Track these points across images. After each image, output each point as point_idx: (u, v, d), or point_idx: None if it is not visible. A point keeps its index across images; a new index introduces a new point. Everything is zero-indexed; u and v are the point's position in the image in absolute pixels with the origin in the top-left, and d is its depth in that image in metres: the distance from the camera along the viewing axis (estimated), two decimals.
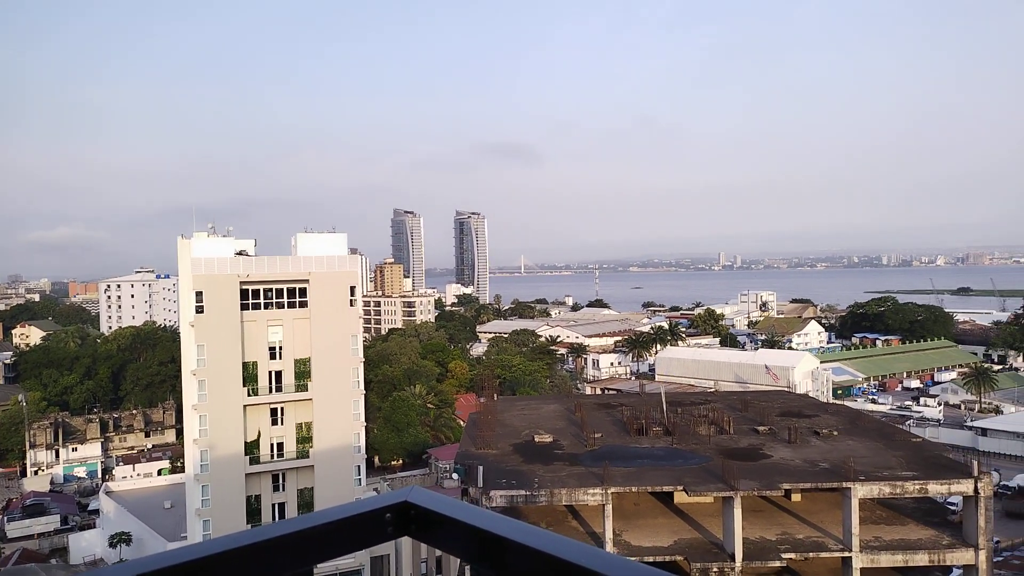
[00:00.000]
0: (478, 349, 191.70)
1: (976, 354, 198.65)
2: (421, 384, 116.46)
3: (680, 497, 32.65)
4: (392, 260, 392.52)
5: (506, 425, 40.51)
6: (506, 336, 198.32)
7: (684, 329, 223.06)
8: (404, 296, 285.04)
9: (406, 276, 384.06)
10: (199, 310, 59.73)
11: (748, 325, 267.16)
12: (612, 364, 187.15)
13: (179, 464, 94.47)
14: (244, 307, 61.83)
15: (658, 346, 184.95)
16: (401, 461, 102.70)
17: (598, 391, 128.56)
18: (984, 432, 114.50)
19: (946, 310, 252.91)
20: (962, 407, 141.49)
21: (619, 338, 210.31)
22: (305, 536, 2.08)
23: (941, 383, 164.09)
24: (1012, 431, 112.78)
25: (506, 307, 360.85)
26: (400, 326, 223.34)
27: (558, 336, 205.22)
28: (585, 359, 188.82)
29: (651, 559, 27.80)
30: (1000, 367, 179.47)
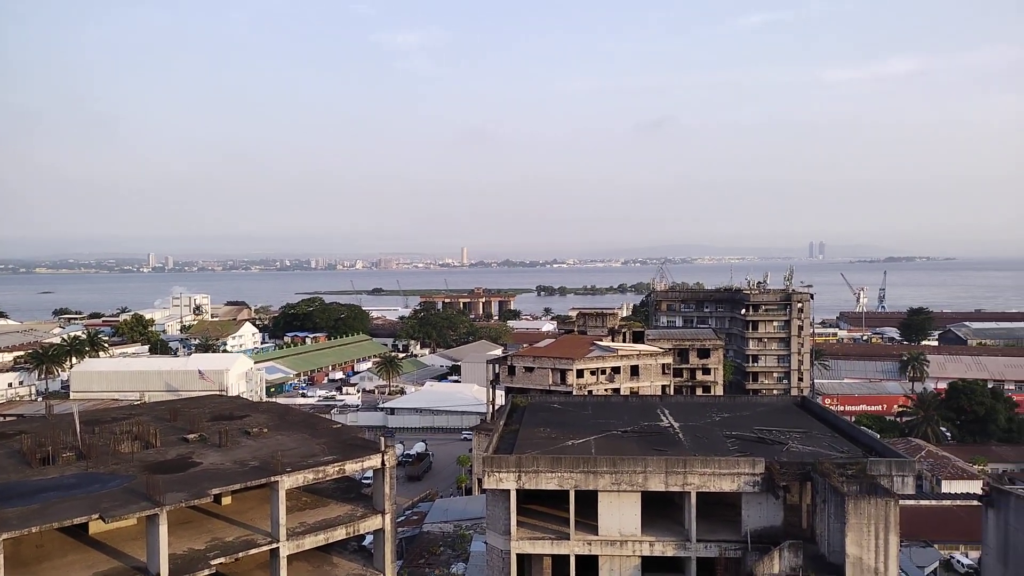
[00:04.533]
0: None
1: (387, 345, 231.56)
2: None
3: (97, 526, 29.06)
4: None
5: None
6: None
7: (107, 338, 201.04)
8: None
9: None
10: None
11: (181, 330, 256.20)
12: (11, 385, 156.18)
13: None
14: None
15: (74, 359, 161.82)
16: None
17: None
18: (392, 411, 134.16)
19: (364, 308, 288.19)
20: (376, 392, 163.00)
21: (21, 353, 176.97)
22: None
23: (360, 372, 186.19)
24: (413, 407, 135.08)
25: None
26: None
27: None
28: None
29: None
30: (404, 355, 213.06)
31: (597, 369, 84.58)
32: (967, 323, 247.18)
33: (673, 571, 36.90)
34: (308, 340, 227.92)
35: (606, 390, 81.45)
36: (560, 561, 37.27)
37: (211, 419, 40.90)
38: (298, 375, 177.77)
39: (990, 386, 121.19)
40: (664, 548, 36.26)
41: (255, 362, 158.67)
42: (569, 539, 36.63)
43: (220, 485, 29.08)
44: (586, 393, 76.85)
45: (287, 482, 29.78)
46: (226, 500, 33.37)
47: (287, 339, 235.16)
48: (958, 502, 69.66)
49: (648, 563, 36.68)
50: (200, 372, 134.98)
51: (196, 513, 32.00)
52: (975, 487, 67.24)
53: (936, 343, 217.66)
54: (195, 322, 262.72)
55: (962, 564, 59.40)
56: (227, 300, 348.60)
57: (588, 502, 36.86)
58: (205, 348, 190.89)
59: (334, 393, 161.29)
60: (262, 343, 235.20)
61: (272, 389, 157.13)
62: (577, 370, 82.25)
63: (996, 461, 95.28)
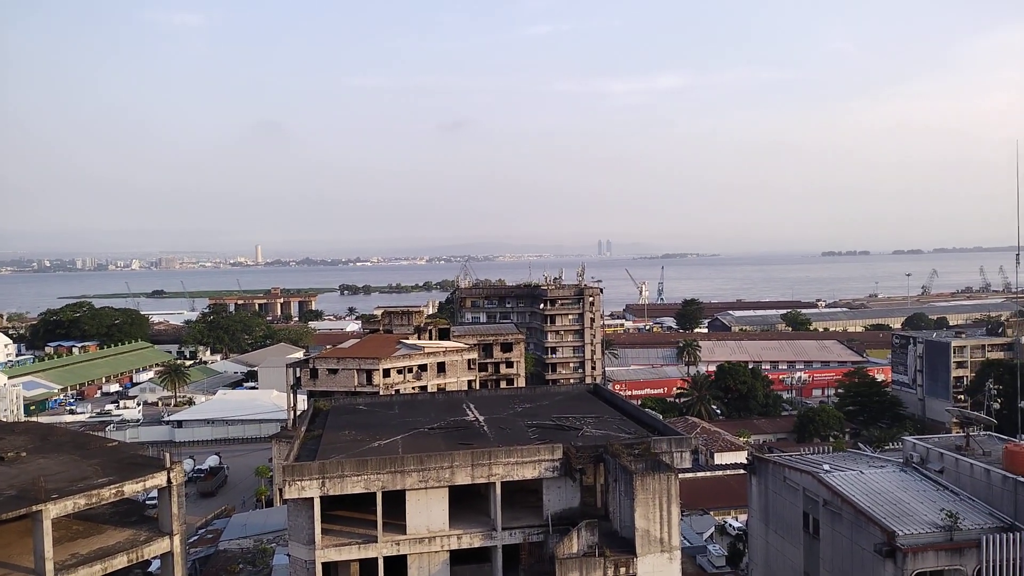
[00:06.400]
0: None
1: (171, 352, 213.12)
2: None
3: None
4: None
5: None
6: None
7: None
8: None
9: None
10: None
11: None
12: None
13: None
14: None
15: None
16: None
17: None
18: (180, 424, 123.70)
19: (142, 312, 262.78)
20: (159, 404, 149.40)
21: None
22: None
23: (140, 383, 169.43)
24: (203, 419, 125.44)
25: None
26: None
27: None
28: None
29: None
30: (192, 362, 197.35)
31: (404, 368, 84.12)
32: (730, 312, 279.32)
33: (481, 561, 37.69)
34: (76, 350, 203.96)
35: (413, 388, 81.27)
36: (368, 565, 36.56)
37: None
38: (64, 390, 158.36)
39: (750, 367, 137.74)
40: (472, 540, 36.90)
41: (9, 377, 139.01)
42: (377, 541, 36.05)
43: None
44: (393, 392, 76.12)
45: (53, 510, 26.36)
46: None
47: (49, 350, 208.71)
48: (728, 472, 78.33)
49: (456, 556, 37.13)
50: None
51: None
52: (741, 457, 75.76)
53: (706, 330, 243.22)
54: None
55: (733, 527, 66.82)
56: None
57: (396, 502, 36.52)
58: None
59: (110, 408, 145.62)
60: (17, 355, 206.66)
61: (32, 407, 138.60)
62: (383, 369, 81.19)
63: (757, 433, 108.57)
